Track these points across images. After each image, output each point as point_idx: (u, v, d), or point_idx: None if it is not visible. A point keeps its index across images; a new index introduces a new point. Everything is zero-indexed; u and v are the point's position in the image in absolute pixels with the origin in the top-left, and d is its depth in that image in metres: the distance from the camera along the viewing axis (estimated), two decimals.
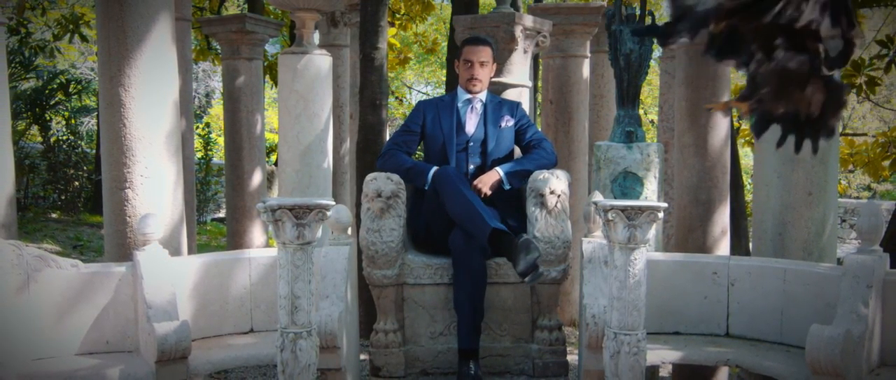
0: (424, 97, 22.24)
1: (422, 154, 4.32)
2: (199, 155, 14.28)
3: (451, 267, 3.72)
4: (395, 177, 3.80)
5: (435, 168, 3.85)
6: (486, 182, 3.84)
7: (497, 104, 4.08)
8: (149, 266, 3.55)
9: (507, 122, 4.03)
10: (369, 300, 4.45)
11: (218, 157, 16.11)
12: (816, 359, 3.06)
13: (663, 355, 3.53)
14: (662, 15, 17.73)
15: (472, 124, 4.02)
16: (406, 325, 3.83)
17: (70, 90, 13.93)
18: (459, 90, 4.07)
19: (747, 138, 8.17)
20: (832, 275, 3.48)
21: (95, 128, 13.39)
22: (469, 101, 4.04)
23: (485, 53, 3.99)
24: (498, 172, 3.88)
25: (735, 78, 9.81)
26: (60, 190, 13.34)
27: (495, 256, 3.67)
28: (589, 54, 6.76)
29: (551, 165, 3.97)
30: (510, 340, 3.84)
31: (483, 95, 4.06)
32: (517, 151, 4.14)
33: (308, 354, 2.91)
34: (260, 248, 6.98)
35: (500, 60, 4.41)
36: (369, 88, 5.69)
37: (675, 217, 5.58)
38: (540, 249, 3.49)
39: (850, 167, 7.72)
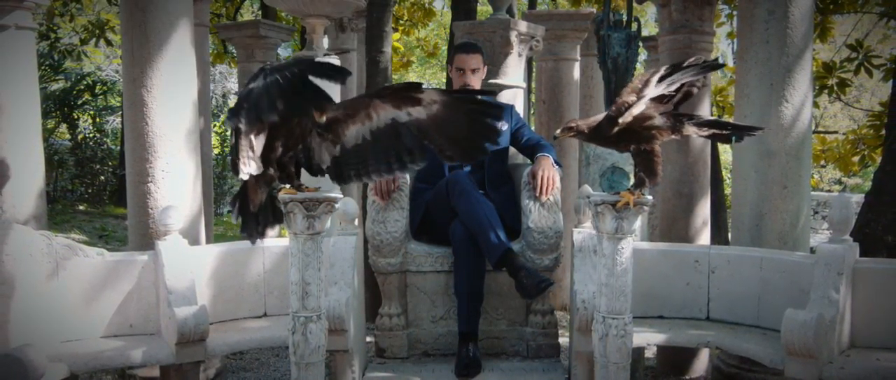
0: None
1: None
2: (216, 151, 14.27)
3: (452, 256, 3.71)
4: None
5: (449, 174, 3.81)
6: (554, 180, 3.77)
7: None
8: (169, 255, 3.54)
9: (502, 126, 4.01)
10: (375, 286, 4.44)
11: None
12: (791, 341, 3.06)
13: (648, 338, 3.53)
14: (648, 21, 17.63)
15: None
16: (409, 309, 3.82)
17: (96, 91, 13.93)
18: None
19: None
20: (806, 263, 3.47)
21: (120, 126, 13.39)
22: None
23: (475, 60, 3.96)
24: (555, 167, 3.80)
25: (715, 79, 9.79)
26: (87, 184, 13.34)
27: (498, 269, 3.60)
28: (579, 57, 6.74)
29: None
30: (506, 323, 3.84)
31: None
32: (512, 150, 4.12)
33: (318, 336, 2.90)
34: (273, 238, 6.98)
35: (496, 63, 4.40)
36: (375, 90, 5.67)
37: (660, 209, 5.57)
38: (543, 276, 3.47)
39: (823, 163, 7.71)
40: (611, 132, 2.75)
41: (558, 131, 2.82)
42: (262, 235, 2.79)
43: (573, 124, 2.81)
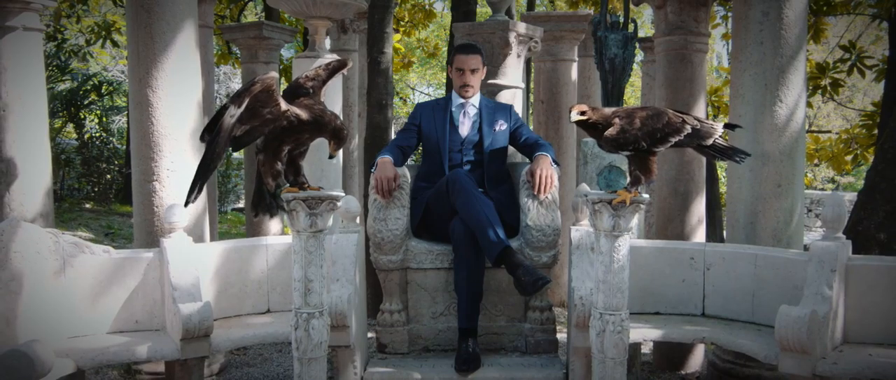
0: (426, 98, 22.20)
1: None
2: None
3: (452, 253, 3.71)
4: (399, 170, 3.80)
5: (449, 173, 3.81)
6: (553, 179, 3.75)
7: (491, 108, 4.05)
8: (174, 252, 3.54)
9: (501, 126, 4.00)
10: (376, 283, 4.44)
11: (238, 152, 16.07)
12: (785, 337, 3.06)
13: (645, 333, 3.53)
14: (644, 22, 17.59)
15: (465, 127, 3.99)
16: (410, 305, 3.82)
17: (102, 91, 13.93)
18: (454, 94, 4.05)
19: (722, 136, 8.16)
20: (799, 260, 3.47)
21: (126, 126, 13.40)
22: (462, 105, 4.02)
23: (475, 61, 3.96)
24: (553, 166, 3.79)
25: (710, 80, 9.78)
26: (93, 182, 13.35)
27: (496, 266, 3.59)
28: (577, 58, 6.75)
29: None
30: (505, 319, 3.84)
31: (476, 100, 4.03)
32: (510, 149, 4.12)
33: (320, 332, 2.91)
34: (276, 235, 6.97)
35: (495, 64, 4.39)
36: (376, 90, 5.68)
37: (656, 207, 5.57)
38: (541, 273, 3.45)
39: (816, 162, 7.72)
40: (607, 149, 2.85)
41: (575, 113, 2.80)
42: (268, 211, 2.96)
43: (585, 109, 2.81)
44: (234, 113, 2.58)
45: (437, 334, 3.82)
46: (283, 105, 2.69)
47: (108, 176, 13.50)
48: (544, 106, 6.61)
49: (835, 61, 7.13)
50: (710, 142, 2.84)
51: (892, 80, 6.55)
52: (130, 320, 3.59)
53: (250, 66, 7.66)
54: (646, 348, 5.11)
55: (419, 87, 23.74)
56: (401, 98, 19.76)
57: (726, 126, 2.97)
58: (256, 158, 2.86)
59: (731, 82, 4.26)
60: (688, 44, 5.27)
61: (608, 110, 2.88)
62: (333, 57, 4.70)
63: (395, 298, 3.79)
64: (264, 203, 2.95)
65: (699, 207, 5.42)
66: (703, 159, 5.47)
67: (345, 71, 3.15)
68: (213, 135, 2.62)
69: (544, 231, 3.69)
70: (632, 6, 5.64)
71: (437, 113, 4.02)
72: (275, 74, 2.68)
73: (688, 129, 2.80)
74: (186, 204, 2.68)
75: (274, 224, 7.67)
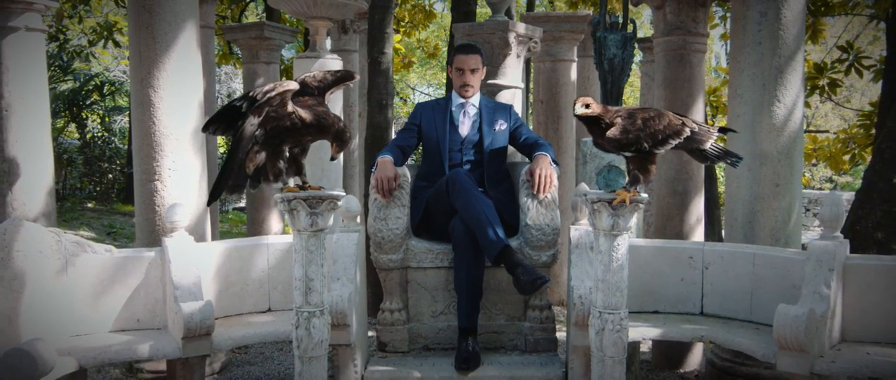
0: (426, 98, 22.19)
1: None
2: (221, 150, 14.26)
3: (452, 252, 3.71)
4: (399, 170, 3.80)
5: (449, 172, 3.80)
6: (552, 178, 3.76)
7: (491, 108, 4.05)
8: (176, 251, 3.54)
9: (501, 125, 4.00)
10: (376, 282, 4.44)
11: None
12: (783, 335, 3.06)
13: (644, 332, 3.52)
14: (643, 23, 17.58)
15: (465, 127, 3.99)
16: (410, 304, 3.82)
17: (104, 91, 13.93)
18: (454, 94, 4.04)
19: (720, 136, 8.18)
20: (797, 259, 3.47)
21: (127, 125, 13.40)
22: (462, 105, 4.01)
23: (475, 61, 3.96)
24: (553, 166, 3.79)
25: (709, 80, 9.78)
26: (95, 182, 13.36)
27: (496, 266, 3.59)
28: (576, 58, 6.75)
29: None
30: (505, 318, 3.84)
31: (476, 100, 4.03)
32: (510, 149, 4.12)
33: (321, 331, 2.91)
34: (277, 235, 6.98)
35: (495, 64, 4.39)
36: (376, 90, 5.68)
37: (655, 207, 5.57)
38: (539, 273, 3.44)
39: (814, 161, 7.71)
40: (608, 149, 2.84)
41: (579, 105, 2.80)
42: (231, 191, 2.88)
43: (590, 102, 2.81)
44: (253, 122, 2.63)
45: (437, 332, 3.82)
46: (289, 106, 2.70)
47: (110, 176, 13.52)
48: (544, 106, 6.61)
49: (833, 61, 7.12)
50: (706, 146, 2.84)
51: (890, 80, 6.54)
52: (132, 319, 3.59)
53: (251, 67, 7.66)
54: (645, 347, 5.10)
55: (419, 87, 23.73)
56: (401, 98, 19.75)
57: (721, 130, 2.98)
58: (252, 149, 2.83)
59: (730, 82, 4.26)
60: (686, 44, 5.27)
61: (610, 109, 2.88)
62: (334, 57, 4.71)
63: (396, 297, 3.79)
64: (240, 185, 2.87)
65: (698, 207, 5.42)
66: None
67: (350, 83, 3.14)
68: (233, 142, 2.65)
69: (544, 230, 3.69)
70: (631, 7, 5.64)
71: (437, 113, 4.02)
72: (295, 84, 2.69)
73: (687, 132, 2.81)
74: (209, 204, 2.75)
75: (275, 223, 7.67)
